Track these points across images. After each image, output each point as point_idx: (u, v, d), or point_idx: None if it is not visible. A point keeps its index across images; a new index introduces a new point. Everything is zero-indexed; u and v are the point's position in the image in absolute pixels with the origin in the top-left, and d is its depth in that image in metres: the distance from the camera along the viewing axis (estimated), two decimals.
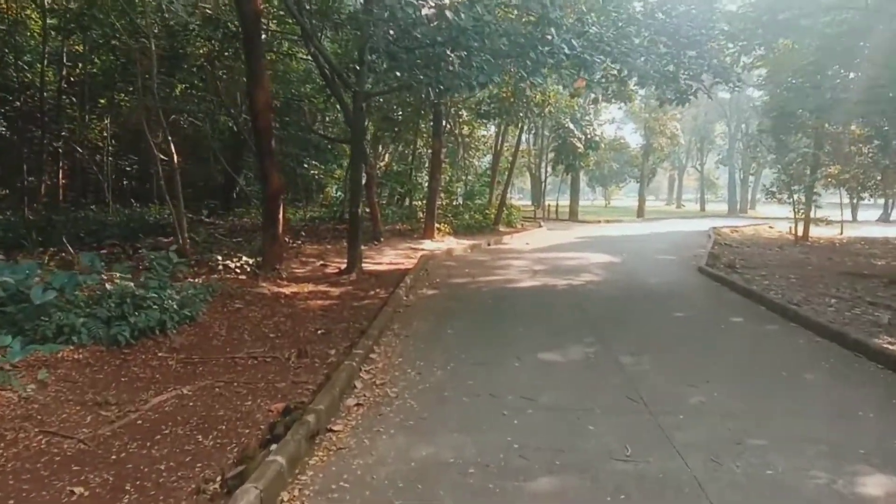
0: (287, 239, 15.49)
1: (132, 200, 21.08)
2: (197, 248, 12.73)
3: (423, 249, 16.34)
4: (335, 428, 4.53)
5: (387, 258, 14.68)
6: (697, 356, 6.60)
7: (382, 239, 17.27)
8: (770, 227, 28.53)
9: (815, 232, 23.39)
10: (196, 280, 9.55)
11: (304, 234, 16.49)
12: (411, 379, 5.73)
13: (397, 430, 4.56)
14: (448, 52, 9.08)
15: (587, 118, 26.08)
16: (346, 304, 9.15)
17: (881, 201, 38.28)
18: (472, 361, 6.28)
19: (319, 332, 7.53)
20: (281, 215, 10.95)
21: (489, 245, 18.08)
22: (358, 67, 11.49)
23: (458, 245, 17.53)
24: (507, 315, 8.57)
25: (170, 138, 12.00)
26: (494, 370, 6.01)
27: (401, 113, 20.44)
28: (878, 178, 23.84)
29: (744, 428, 4.66)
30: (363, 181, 13.63)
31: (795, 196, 21.34)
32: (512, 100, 18.51)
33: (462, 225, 21.45)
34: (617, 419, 4.79)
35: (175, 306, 7.26)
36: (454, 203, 26.58)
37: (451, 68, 9.51)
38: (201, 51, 16.54)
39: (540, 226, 25.29)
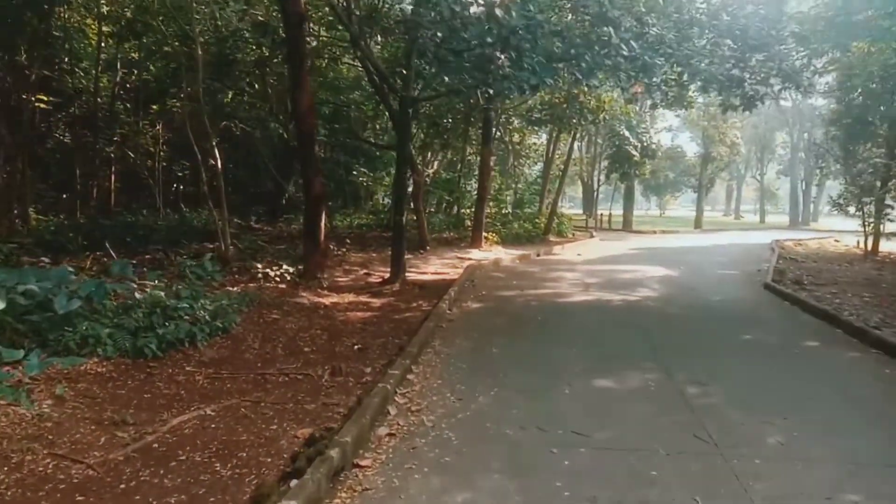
0: (332, 246, 15.22)
1: (182, 206, 21.21)
2: (241, 255, 12.55)
3: (469, 259, 15.86)
4: (363, 463, 4.06)
5: (432, 267, 14.25)
6: (772, 387, 5.90)
7: (428, 247, 16.86)
8: (836, 241, 27.10)
9: (885, 247, 22.01)
10: (235, 289, 9.29)
11: (348, 241, 16.19)
12: (450, 405, 5.22)
13: (431, 469, 4.05)
14: (498, 54, 8.57)
15: (643, 125, 25.23)
16: (386, 316, 8.73)
17: None
18: (517, 387, 5.74)
19: (356, 347, 7.10)
20: (323, 222, 10.62)
21: (539, 255, 17.47)
22: (405, 72, 11.10)
23: (507, 255, 16.98)
24: (557, 333, 8.01)
25: (214, 143, 11.84)
26: (542, 398, 5.46)
27: (450, 119, 20.02)
28: None
29: (834, 477, 4.01)
30: (409, 188, 13.28)
31: (866, 208, 20.08)
32: (565, 105, 17.89)
33: (511, 234, 20.89)
34: (684, 463, 4.18)
35: (207, 317, 6.95)
36: (503, 211, 26.04)
37: (500, 71, 9.01)
38: (251, 57, 16.49)
39: (592, 236, 24.51)
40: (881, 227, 20.92)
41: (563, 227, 25.22)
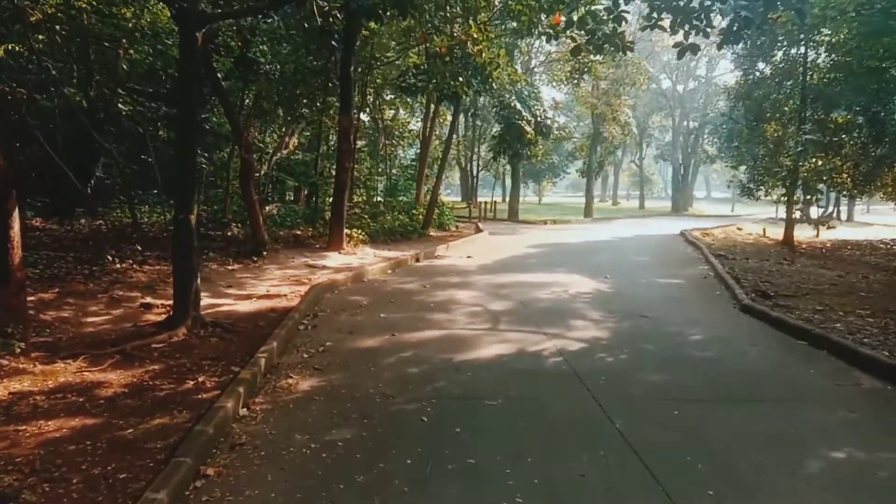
0: (111, 257, 10.25)
1: None
2: None
3: (324, 268, 11.39)
4: None
5: (264, 286, 9.67)
6: None
7: (266, 252, 12.14)
8: (739, 229, 24.94)
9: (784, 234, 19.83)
10: None
11: (140, 247, 11.14)
12: None
13: None
14: None
15: (535, 95, 21.56)
16: (104, 431, 4.11)
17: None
18: None
19: None
20: (16, 229, 5.75)
21: (418, 261, 13.08)
22: None
23: (376, 260, 12.60)
24: (467, 480, 3.69)
25: None
26: None
27: (301, 80, 15.26)
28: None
29: None
30: (221, 168, 8.60)
31: (795, 194, 17.46)
32: (447, 59, 13.59)
33: (382, 229, 16.49)
34: None
35: None
36: (375, 200, 21.60)
37: None
38: None
39: (479, 229, 20.51)
40: (801, 213, 18.56)
41: (446, 219, 21.12)
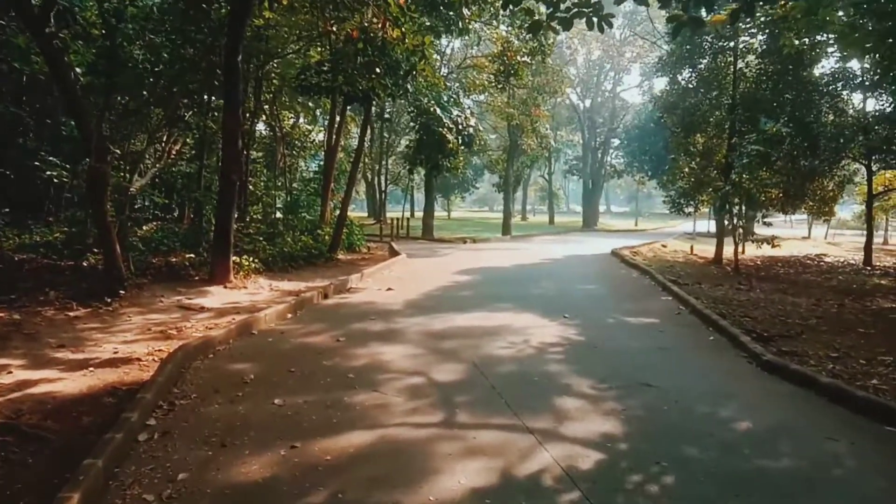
0: None
1: None
2: None
3: (201, 310, 8.68)
4: None
5: (112, 343, 6.94)
6: None
7: (126, 290, 9.22)
8: (664, 246, 23.73)
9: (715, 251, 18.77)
10: None
11: None
12: None
13: None
14: None
15: (456, 101, 19.39)
16: None
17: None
18: None
19: None
20: None
21: (327, 297, 10.38)
22: None
23: (271, 296, 9.95)
24: None
25: None
26: None
27: (177, 69, 12.34)
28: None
29: None
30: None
31: (737, 209, 16.11)
32: (360, 46, 11.08)
33: (281, 254, 13.76)
34: None
35: None
36: (272, 218, 18.73)
37: None
38: None
39: (395, 251, 18.01)
40: (743, 229, 17.29)
41: (356, 239, 18.53)
